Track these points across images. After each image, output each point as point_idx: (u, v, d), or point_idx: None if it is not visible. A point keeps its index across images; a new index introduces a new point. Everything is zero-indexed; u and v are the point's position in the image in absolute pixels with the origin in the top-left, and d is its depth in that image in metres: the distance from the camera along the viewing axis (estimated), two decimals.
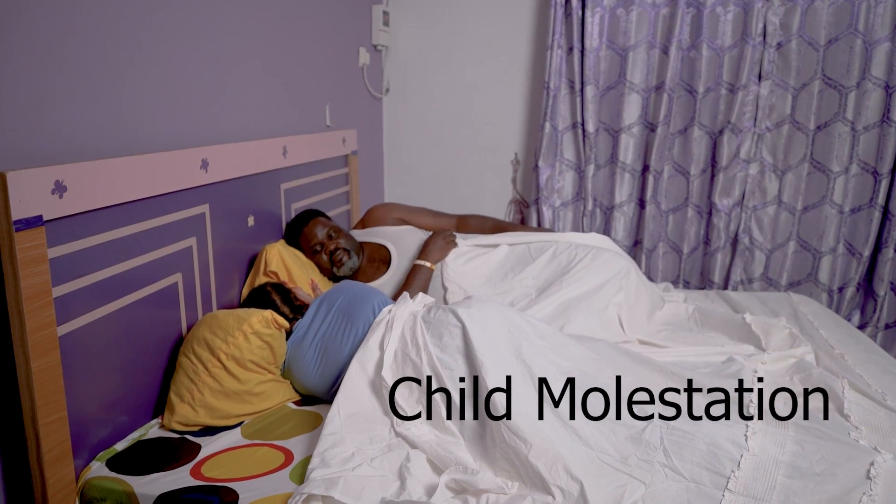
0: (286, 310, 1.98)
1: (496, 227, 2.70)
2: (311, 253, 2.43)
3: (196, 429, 1.71)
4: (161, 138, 1.88)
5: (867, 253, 3.09)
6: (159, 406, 1.81)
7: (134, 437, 1.67)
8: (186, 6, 1.97)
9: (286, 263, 2.23)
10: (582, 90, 3.20)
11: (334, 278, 2.47)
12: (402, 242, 2.56)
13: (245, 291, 2.19)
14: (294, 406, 1.86)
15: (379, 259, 2.56)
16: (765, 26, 3.00)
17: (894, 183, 3.00)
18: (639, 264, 3.27)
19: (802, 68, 3.02)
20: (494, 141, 3.53)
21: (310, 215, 2.48)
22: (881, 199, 3.03)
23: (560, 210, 3.35)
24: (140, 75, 1.78)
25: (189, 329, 1.88)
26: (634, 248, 3.35)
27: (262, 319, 1.76)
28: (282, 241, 2.38)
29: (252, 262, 2.28)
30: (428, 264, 2.35)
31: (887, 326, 3.12)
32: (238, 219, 2.20)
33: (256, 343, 1.75)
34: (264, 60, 2.41)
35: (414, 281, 2.31)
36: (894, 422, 1.58)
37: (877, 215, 3.05)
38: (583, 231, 3.35)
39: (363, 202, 3.33)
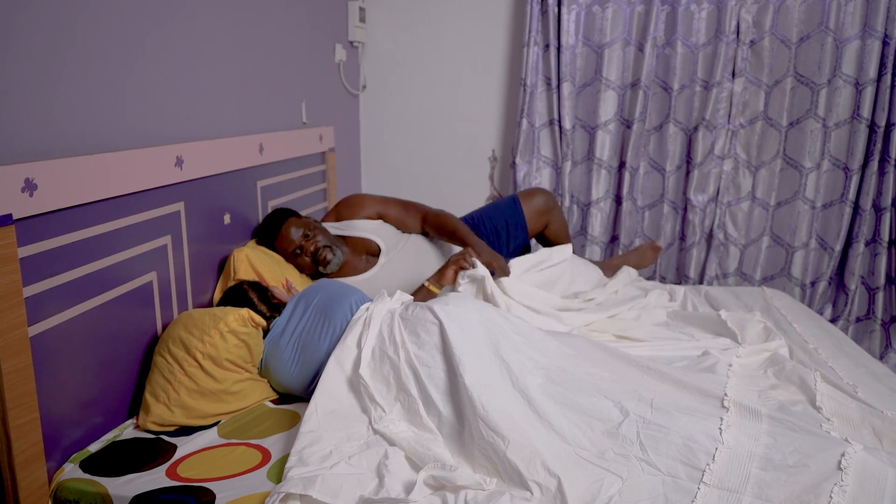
0: (263, 308, 1.96)
1: (453, 233, 2.51)
2: (291, 257, 2.37)
3: (172, 429, 1.70)
4: (135, 135, 1.86)
5: (839, 248, 3.14)
6: (134, 406, 1.79)
7: (108, 437, 1.65)
8: (162, 3, 1.94)
9: (256, 268, 2.19)
10: (559, 87, 3.22)
11: (318, 276, 2.44)
12: (384, 234, 2.55)
13: (217, 296, 2.16)
14: (271, 405, 1.85)
15: (366, 251, 2.54)
16: (738, 24, 3.03)
17: (864, 179, 3.06)
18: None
19: (775, 66, 3.06)
20: (472, 137, 3.53)
21: (281, 218, 2.39)
22: (852, 195, 3.08)
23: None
24: (113, 72, 1.76)
25: (164, 328, 1.86)
26: (611, 243, 3.37)
27: (239, 318, 1.74)
28: (250, 244, 2.34)
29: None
30: (433, 288, 2.22)
31: (858, 320, 3.18)
32: (214, 217, 2.18)
33: (233, 342, 1.74)
34: (240, 57, 2.39)
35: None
36: (865, 413, 1.61)
37: (848, 210, 3.10)
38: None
39: (341, 199, 3.31)
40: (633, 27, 3.13)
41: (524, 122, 3.27)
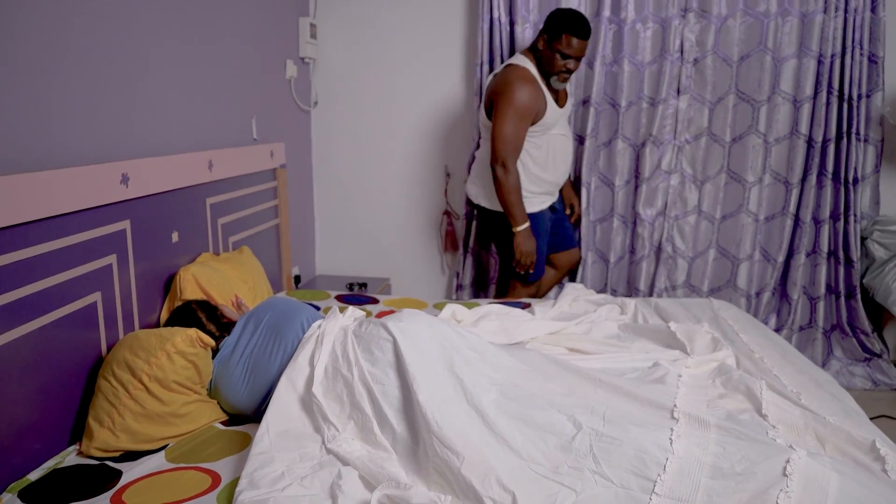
0: (212, 327, 1.93)
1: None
2: (555, 53, 2.65)
3: (117, 454, 1.64)
4: (78, 152, 1.81)
5: (781, 259, 3.24)
6: (77, 432, 1.73)
7: (49, 465, 1.59)
8: (105, 14, 1.91)
9: (203, 286, 2.15)
10: None
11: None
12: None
13: (164, 316, 2.11)
14: (221, 426, 1.80)
15: (558, 97, 2.82)
16: (682, 43, 3.12)
17: (804, 192, 3.17)
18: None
19: (718, 83, 3.16)
20: (425, 153, 3.54)
21: (584, 33, 2.64)
22: (792, 208, 3.18)
23: None
24: (55, 86, 1.71)
25: (109, 350, 1.80)
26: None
27: (187, 338, 1.71)
28: (198, 261, 2.29)
29: None
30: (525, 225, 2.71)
31: (801, 328, 3.28)
32: (161, 235, 2.14)
33: (181, 363, 1.70)
34: (188, 72, 2.36)
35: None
36: (808, 420, 1.65)
37: (789, 223, 3.20)
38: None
39: (292, 216, 3.29)
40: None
41: (479, 138, 3.29)
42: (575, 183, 3.31)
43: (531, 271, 2.82)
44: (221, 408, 1.85)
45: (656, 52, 3.15)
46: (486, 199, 2.91)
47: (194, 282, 2.13)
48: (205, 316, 1.95)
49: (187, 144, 2.36)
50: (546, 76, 2.76)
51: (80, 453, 1.65)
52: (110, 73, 1.95)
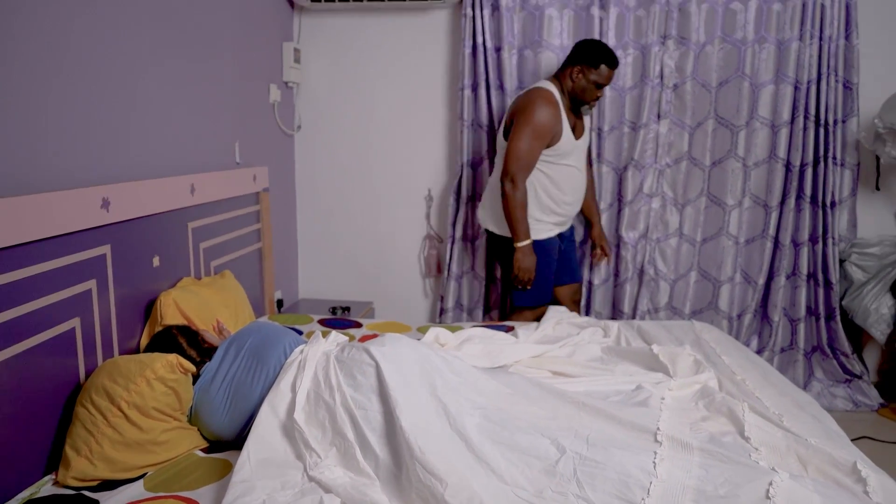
0: (193, 353, 1.91)
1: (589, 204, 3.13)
2: (591, 82, 2.75)
3: (94, 483, 1.61)
4: (58, 177, 1.80)
5: (762, 281, 3.27)
6: (53, 461, 1.70)
7: (24, 496, 1.56)
8: (87, 39, 1.91)
9: (184, 311, 2.13)
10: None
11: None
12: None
13: (144, 342, 2.09)
14: (201, 454, 1.78)
15: (575, 129, 2.86)
16: (662, 69, 3.17)
17: (783, 215, 3.21)
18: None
19: (697, 108, 3.20)
20: (407, 177, 3.56)
21: (617, 64, 2.77)
22: (772, 231, 3.22)
23: (477, 246, 3.39)
24: (36, 110, 1.71)
25: (88, 377, 1.78)
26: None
27: (167, 364, 1.69)
28: (179, 286, 2.27)
29: None
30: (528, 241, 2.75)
31: (782, 350, 3.30)
32: (142, 259, 2.12)
33: (160, 389, 1.68)
34: (171, 96, 2.36)
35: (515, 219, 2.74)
36: (790, 442, 1.66)
37: (769, 245, 3.24)
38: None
39: (275, 240, 3.28)
40: None
41: (462, 161, 3.31)
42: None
43: (528, 287, 2.83)
44: (202, 435, 1.83)
45: (637, 77, 3.20)
46: (494, 223, 2.92)
47: (175, 307, 2.11)
48: (185, 341, 1.93)
49: (169, 168, 2.36)
50: (576, 104, 2.84)
51: (56, 483, 1.62)
52: (91, 97, 1.94)
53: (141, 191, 2.08)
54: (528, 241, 2.76)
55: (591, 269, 3.37)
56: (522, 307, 2.94)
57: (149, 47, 2.22)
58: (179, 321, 2.10)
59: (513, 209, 2.73)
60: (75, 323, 1.79)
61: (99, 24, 1.96)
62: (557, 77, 2.84)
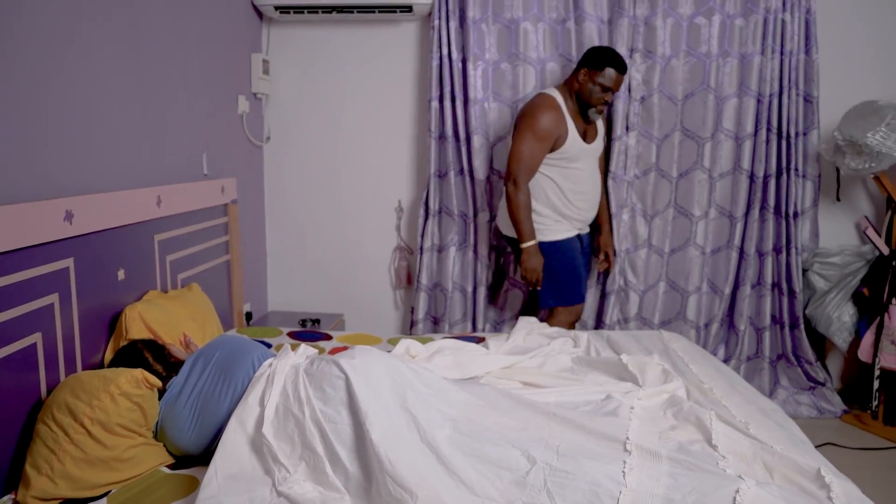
0: (159, 367, 1.87)
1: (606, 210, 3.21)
2: (596, 85, 2.78)
3: (56, 503, 1.57)
4: (20, 188, 1.76)
5: (728, 291, 3.32)
6: (12, 480, 1.65)
7: None
8: (50, 45, 1.88)
9: (149, 325, 2.09)
10: (468, 139, 3.28)
11: (583, 116, 2.86)
12: (601, 140, 3.01)
13: (108, 357, 2.05)
14: (167, 470, 1.74)
15: (588, 134, 2.91)
16: (629, 82, 3.22)
17: (748, 225, 3.27)
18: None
19: (664, 121, 3.25)
20: (378, 188, 3.55)
21: (624, 68, 2.79)
22: (737, 241, 3.28)
23: (443, 256, 3.39)
24: None
25: (49, 393, 1.74)
26: (524, 288, 3.42)
27: (132, 379, 1.66)
28: (145, 299, 2.23)
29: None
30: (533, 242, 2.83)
31: (749, 359, 3.35)
32: (107, 273, 2.08)
33: (125, 405, 1.64)
34: (137, 107, 2.33)
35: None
36: (756, 449, 1.68)
37: (734, 256, 3.29)
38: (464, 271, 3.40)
39: (244, 252, 3.24)
40: (546, 83, 3.23)
41: (432, 172, 3.32)
42: None
43: (538, 287, 2.90)
44: (168, 451, 1.79)
45: None
46: (510, 228, 2.96)
47: (140, 320, 2.08)
48: (151, 355, 1.90)
49: (135, 180, 2.32)
50: (584, 108, 2.86)
51: (15, 503, 1.58)
52: (54, 107, 1.91)
53: (106, 203, 2.04)
54: (532, 242, 2.84)
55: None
56: (553, 307, 2.98)
57: (114, 57, 2.19)
58: (145, 335, 2.07)
59: (516, 210, 2.82)
60: (37, 338, 1.75)
61: (62, 34, 1.93)
62: (566, 83, 2.90)
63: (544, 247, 2.90)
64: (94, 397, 1.61)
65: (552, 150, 2.83)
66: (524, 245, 2.85)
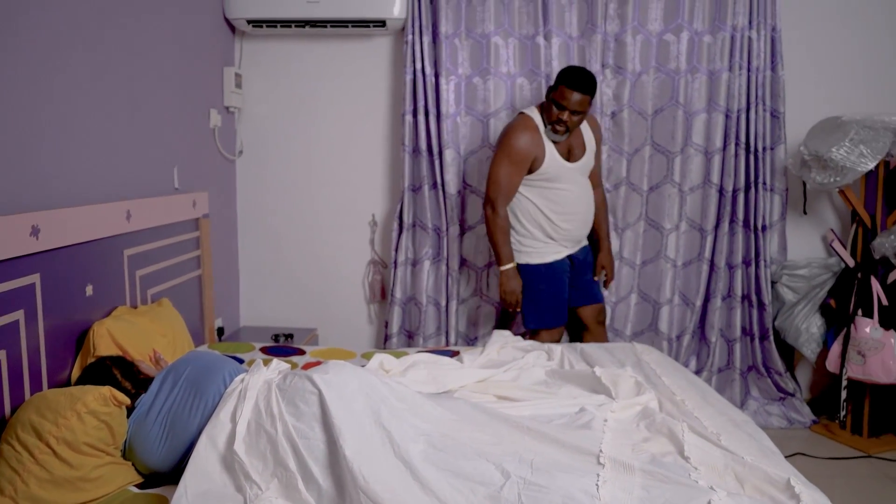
0: (128, 384, 1.84)
1: (599, 223, 3.09)
2: (551, 103, 2.72)
3: None
4: None
5: (699, 303, 3.36)
6: None
7: None
8: (17, 56, 1.85)
9: (118, 341, 2.06)
10: (441, 154, 3.29)
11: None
12: (589, 154, 2.93)
13: (75, 374, 2.01)
14: (135, 489, 1.71)
15: (572, 151, 2.86)
16: (601, 97, 3.26)
17: (717, 238, 3.32)
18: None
19: (634, 135, 3.30)
20: (351, 202, 3.54)
21: (581, 87, 2.68)
22: (707, 254, 3.32)
23: (417, 270, 3.39)
24: None
25: (14, 412, 1.70)
26: (498, 305, 3.43)
27: (100, 397, 1.62)
28: (114, 315, 2.20)
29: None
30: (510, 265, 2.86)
31: (720, 370, 3.39)
32: (74, 288, 2.05)
33: (92, 423, 1.61)
34: (107, 120, 2.31)
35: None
36: (728, 460, 1.69)
37: (705, 268, 3.33)
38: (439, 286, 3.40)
39: (216, 266, 3.21)
40: (515, 98, 3.27)
41: (405, 186, 3.32)
42: None
43: (518, 310, 2.91)
44: (136, 469, 1.76)
45: None
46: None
47: (109, 337, 2.04)
48: (119, 372, 1.86)
49: (104, 194, 2.29)
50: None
51: None
52: (20, 119, 1.88)
53: (73, 218, 2.01)
54: (510, 265, 2.86)
55: None
56: (536, 329, 2.99)
57: (84, 70, 2.16)
58: (113, 352, 2.03)
59: (493, 233, 2.85)
60: (1, 355, 1.71)
61: (30, 46, 1.91)
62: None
63: (531, 269, 2.91)
64: (60, 416, 1.58)
65: (531, 171, 2.81)
66: (502, 268, 2.87)
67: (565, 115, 2.72)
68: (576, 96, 2.69)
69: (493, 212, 2.83)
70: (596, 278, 3.15)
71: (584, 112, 2.75)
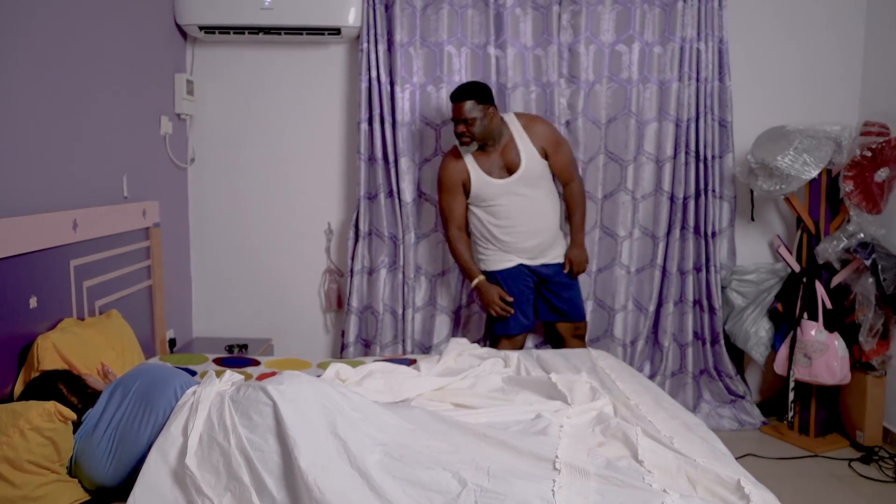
0: (74, 399, 1.79)
1: (571, 216, 3.12)
2: (452, 121, 2.87)
3: None
4: None
5: (652, 308, 3.41)
6: None
7: None
8: None
9: (64, 355, 2.00)
10: (396, 161, 3.28)
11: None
12: (532, 166, 2.92)
13: (18, 389, 1.94)
14: None
15: (506, 163, 2.93)
16: (556, 107, 3.29)
17: (669, 245, 3.38)
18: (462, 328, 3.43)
19: (589, 144, 3.34)
20: (307, 210, 3.51)
21: (459, 96, 2.81)
22: (660, 260, 3.38)
23: (374, 278, 3.37)
24: None
25: None
26: (457, 312, 3.43)
27: (44, 412, 1.57)
28: (59, 328, 2.14)
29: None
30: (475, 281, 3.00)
31: (673, 374, 3.45)
32: (17, 300, 1.98)
33: (36, 440, 1.56)
34: (52, 127, 2.24)
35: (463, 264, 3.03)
36: (680, 463, 1.72)
37: (657, 275, 3.39)
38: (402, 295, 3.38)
39: (167, 276, 3.14)
40: None
41: (361, 194, 3.30)
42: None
43: (511, 312, 2.99)
44: (83, 486, 1.71)
45: (541, 114, 3.26)
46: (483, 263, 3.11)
47: (54, 350, 1.98)
48: (65, 387, 1.81)
49: (49, 203, 2.23)
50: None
51: None
52: None
53: (16, 227, 1.95)
54: (478, 279, 3.01)
55: None
56: (496, 338, 3.09)
57: (27, 75, 2.10)
58: (59, 365, 1.97)
59: (453, 256, 3.10)
60: None
61: None
62: None
63: (489, 276, 3.03)
64: (2, 433, 1.52)
65: (468, 194, 2.96)
66: (472, 285, 3.04)
67: (461, 127, 2.85)
68: (460, 105, 2.82)
69: (447, 237, 3.07)
70: (565, 270, 3.11)
71: (475, 119, 2.82)
